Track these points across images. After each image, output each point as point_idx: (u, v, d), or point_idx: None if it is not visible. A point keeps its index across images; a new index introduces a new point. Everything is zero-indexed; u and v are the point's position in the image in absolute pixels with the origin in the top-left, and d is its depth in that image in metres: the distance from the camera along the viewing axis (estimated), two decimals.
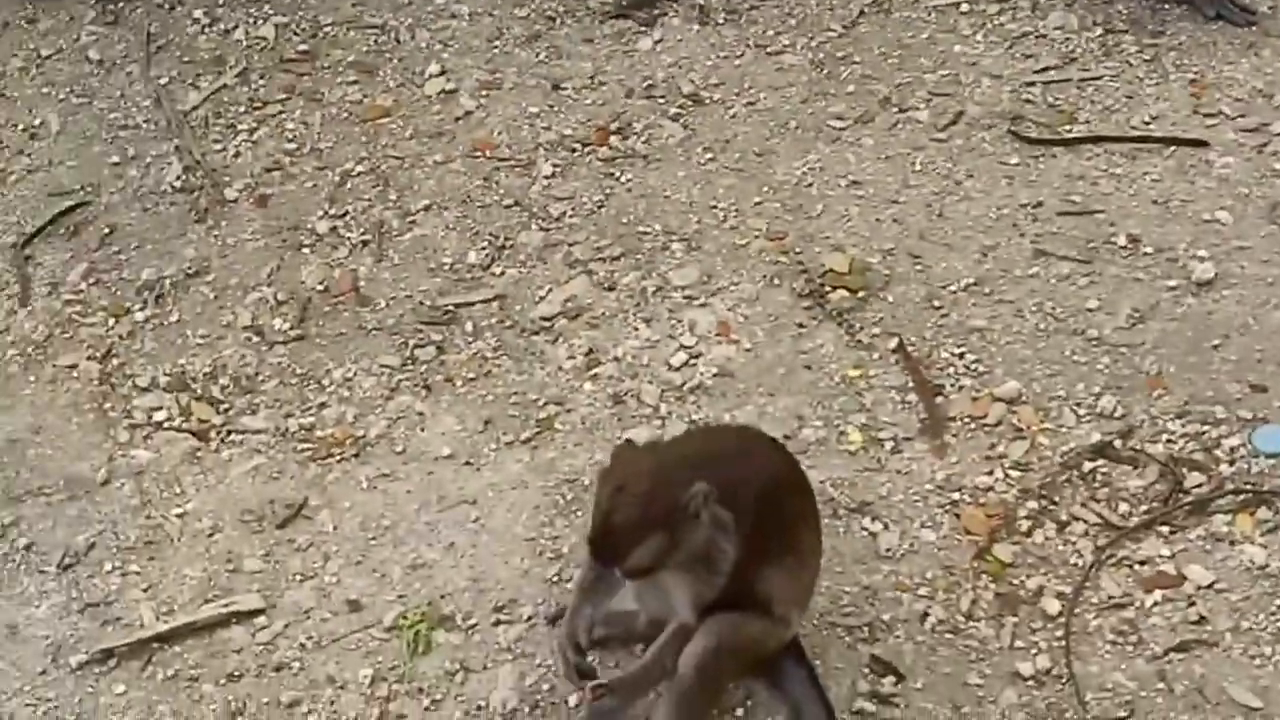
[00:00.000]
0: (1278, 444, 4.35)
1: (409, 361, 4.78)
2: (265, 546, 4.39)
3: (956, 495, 4.35)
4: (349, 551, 4.36)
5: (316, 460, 4.56)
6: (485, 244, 5.06)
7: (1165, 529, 4.22)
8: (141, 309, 4.99)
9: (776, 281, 4.88)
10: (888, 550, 4.24)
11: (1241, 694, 3.90)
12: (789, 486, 3.81)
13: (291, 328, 4.90)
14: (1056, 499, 4.32)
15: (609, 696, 3.72)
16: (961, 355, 4.64)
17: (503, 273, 4.99)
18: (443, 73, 5.60)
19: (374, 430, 4.62)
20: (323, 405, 4.70)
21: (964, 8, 5.64)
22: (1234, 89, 5.29)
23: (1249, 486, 4.27)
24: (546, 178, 5.24)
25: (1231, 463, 4.33)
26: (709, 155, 5.26)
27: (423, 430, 4.61)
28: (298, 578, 4.31)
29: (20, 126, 5.58)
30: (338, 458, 4.56)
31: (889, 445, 4.47)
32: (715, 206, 5.10)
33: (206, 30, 5.84)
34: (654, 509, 3.53)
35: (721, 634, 3.69)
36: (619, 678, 3.77)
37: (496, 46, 5.68)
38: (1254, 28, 5.47)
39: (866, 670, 4.01)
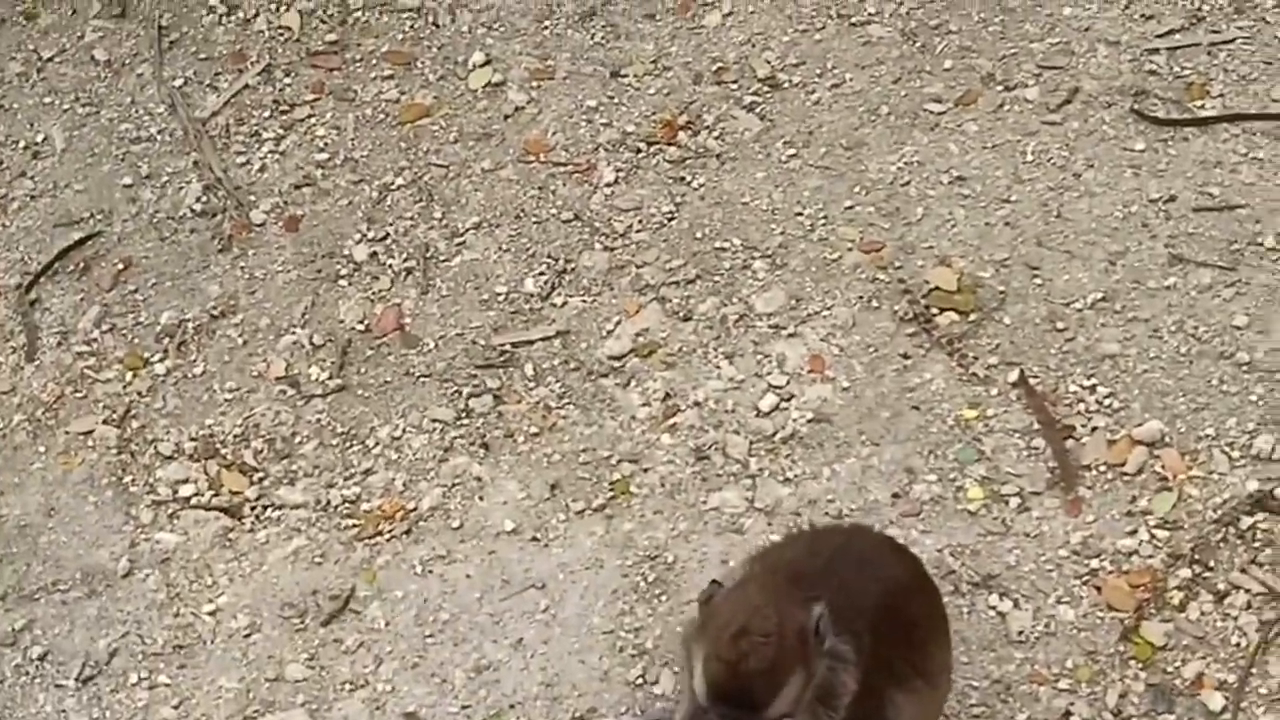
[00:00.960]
0: None
1: (463, 415, 4.23)
2: (309, 649, 3.87)
3: (1095, 562, 3.81)
4: (404, 652, 3.84)
5: (363, 540, 4.03)
6: (543, 268, 4.48)
7: None
8: (162, 359, 4.45)
9: (875, 304, 4.29)
10: (1020, 634, 3.71)
11: None
12: (913, 597, 3.27)
13: (330, 377, 4.35)
14: (1212, 563, 3.78)
15: None
16: (1093, 388, 4.06)
17: (564, 303, 4.41)
18: (488, 61, 4.97)
19: (426, 501, 4.08)
20: (368, 471, 4.16)
21: None
22: None
23: None
24: (609, 185, 4.64)
25: None
26: (790, 151, 4.64)
27: (481, 499, 4.07)
28: (347, 687, 3.80)
29: (21, 144, 4.97)
30: (387, 535, 4.03)
31: (1014, 502, 3.91)
32: (800, 214, 4.50)
33: (224, 20, 5.17)
34: (788, 644, 2.99)
35: None
36: None
37: (547, 27, 5.03)
38: None
39: None
